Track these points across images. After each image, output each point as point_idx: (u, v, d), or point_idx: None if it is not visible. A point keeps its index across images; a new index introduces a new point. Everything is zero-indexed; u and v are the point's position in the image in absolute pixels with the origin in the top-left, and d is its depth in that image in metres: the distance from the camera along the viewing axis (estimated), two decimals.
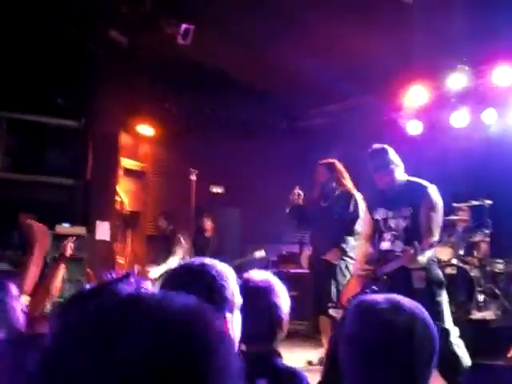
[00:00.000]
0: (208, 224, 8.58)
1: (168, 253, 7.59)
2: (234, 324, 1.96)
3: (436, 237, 4.67)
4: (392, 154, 5.04)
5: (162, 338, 0.73)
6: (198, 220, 8.39)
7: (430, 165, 8.52)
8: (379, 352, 1.62)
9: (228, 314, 1.90)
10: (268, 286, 2.60)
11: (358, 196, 5.98)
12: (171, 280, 2.00)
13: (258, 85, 9.21)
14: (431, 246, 4.51)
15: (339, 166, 6.32)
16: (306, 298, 7.33)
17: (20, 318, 2.73)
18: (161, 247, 7.88)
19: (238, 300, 1.98)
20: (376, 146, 5.10)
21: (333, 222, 6.04)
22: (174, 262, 7.30)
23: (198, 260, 2.03)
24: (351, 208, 6.00)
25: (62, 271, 6.27)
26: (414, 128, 9.15)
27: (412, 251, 4.41)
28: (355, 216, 5.94)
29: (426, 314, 1.71)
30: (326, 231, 6.07)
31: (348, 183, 6.23)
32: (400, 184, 4.94)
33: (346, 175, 6.27)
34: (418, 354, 1.62)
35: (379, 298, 1.74)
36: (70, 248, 5.15)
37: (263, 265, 8.17)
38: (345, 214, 6.01)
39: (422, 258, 4.51)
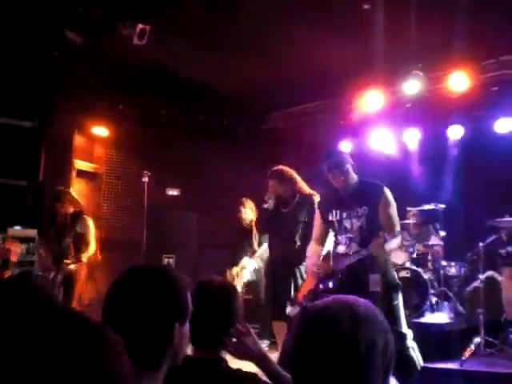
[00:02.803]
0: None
1: None
2: (184, 335, 1.90)
3: (398, 228, 4.74)
4: (347, 155, 5.11)
5: None
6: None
7: (383, 169, 8.64)
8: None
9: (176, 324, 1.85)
10: (223, 290, 2.56)
11: (317, 198, 5.91)
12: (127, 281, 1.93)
13: (216, 86, 9.16)
14: (396, 235, 4.58)
15: (288, 171, 6.19)
16: (259, 301, 7.33)
17: None
18: None
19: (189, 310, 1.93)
20: (332, 147, 5.15)
21: (296, 226, 5.98)
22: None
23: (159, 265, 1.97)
24: (313, 207, 5.87)
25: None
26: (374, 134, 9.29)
27: (382, 239, 4.46)
28: None
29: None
30: (287, 236, 6.00)
31: (303, 187, 6.16)
32: (354, 184, 5.00)
33: (298, 179, 6.17)
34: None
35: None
36: (15, 253, 5.06)
37: (219, 267, 8.07)
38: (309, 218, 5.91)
39: (388, 246, 4.56)
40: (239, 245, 7.84)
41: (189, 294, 1.93)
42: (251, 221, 7.79)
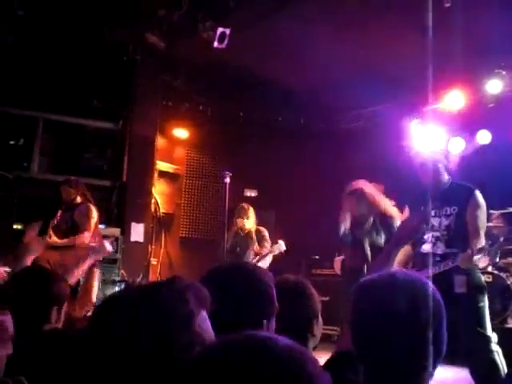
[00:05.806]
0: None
1: None
2: (270, 330, 1.93)
3: (483, 239, 4.66)
4: (440, 154, 5.25)
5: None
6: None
7: (461, 172, 8.46)
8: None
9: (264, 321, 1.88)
10: (299, 288, 2.59)
11: (395, 213, 5.66)
12: (213, 277, 1.98)
13: (295, 87, 9.20)
14: (481, 250, 4.50)
15: (368, 189, 5.81)
16: (337, 303, 7.27)
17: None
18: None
19: (275, 305, 1.96)
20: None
21: (370, 248, 5.81)
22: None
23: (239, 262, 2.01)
24: (393, 230, 5.55)
25: (96, 274, 6.33)
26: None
27: (470, 252, 4.42)
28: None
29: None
30: (360, 253, 5.84)
31: (382, 204, 5.80)
32: (445, 184, 4.97)
33: (377, 196, 5.82)
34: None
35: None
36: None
37: (295, 268, 8.07)
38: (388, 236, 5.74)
39: (475, 258, 4.51)
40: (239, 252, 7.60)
41: (274, 289, 1.96)
42: (250, 228, 7.65)
